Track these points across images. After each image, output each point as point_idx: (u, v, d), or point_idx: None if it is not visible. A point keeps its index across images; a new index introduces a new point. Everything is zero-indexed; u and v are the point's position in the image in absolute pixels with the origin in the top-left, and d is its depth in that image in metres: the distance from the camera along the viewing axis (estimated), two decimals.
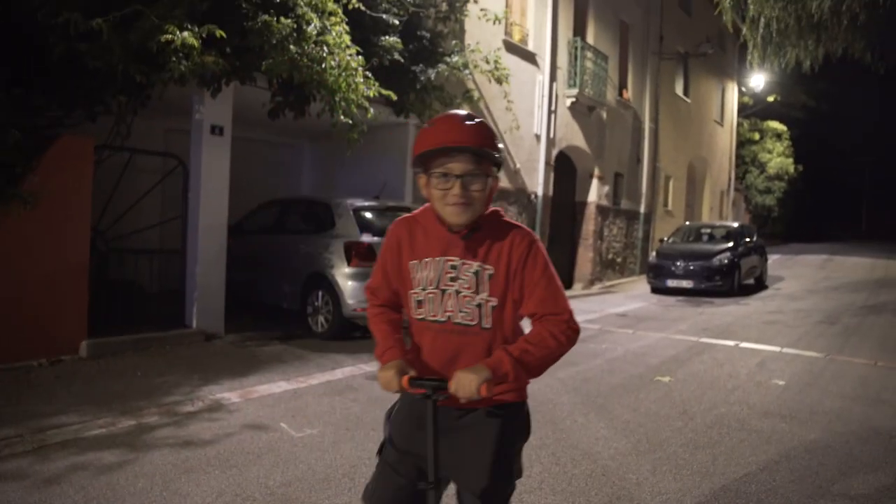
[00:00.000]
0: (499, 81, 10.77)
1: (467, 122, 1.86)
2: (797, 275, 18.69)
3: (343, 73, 6.76)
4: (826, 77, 32.92)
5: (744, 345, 8.64)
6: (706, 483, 3.96)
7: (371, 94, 7.28)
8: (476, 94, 10.54)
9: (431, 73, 9.24)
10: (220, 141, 7.41)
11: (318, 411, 5.18)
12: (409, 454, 1.99)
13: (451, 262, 1.93)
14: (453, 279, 1.93)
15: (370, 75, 7.42)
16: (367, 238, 7.70)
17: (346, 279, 7.55)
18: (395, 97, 7.95)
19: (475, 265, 1.91)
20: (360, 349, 7.44)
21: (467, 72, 9.97)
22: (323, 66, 6.67)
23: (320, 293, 7.87)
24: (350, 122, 7.08)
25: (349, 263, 7.57)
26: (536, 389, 6.04)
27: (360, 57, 7.17)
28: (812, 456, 4.51)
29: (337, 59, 6.82)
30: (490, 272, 1.91)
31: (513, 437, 2.01)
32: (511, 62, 11.86)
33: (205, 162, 7.32)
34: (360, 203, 8.09)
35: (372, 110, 7.56)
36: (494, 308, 1.92)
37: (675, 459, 4.34)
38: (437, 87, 9.56)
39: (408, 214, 2.07)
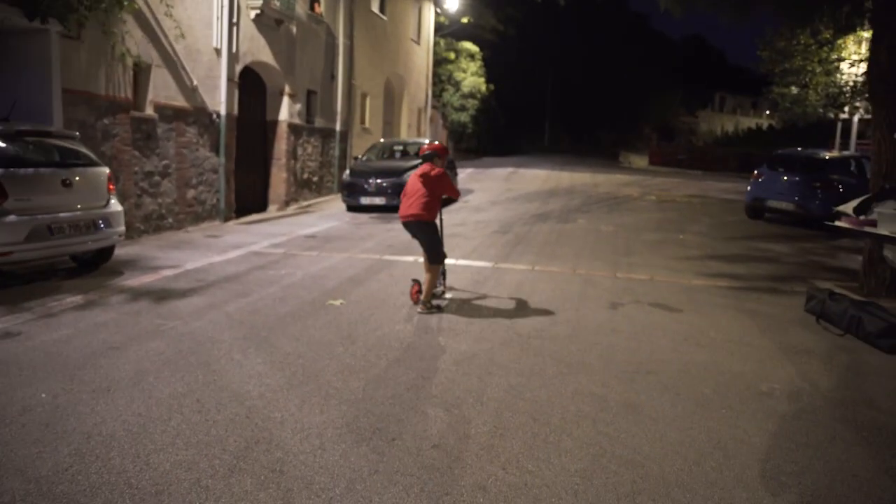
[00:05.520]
0: None
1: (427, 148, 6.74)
2: (485, 188, 20.08)
3: None
4: (512, 3, 35.52)
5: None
6: (351, 411, 3.95)
7: None
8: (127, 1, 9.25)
9: None
10: None
11: None
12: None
13: None
14: None
15: None
16: None
17: None
18: None
19: None
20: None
21: None
22: None
23: None
24: None
25: None
26: (198, 328, 5.65)
27: None
28: (458, 367, 4.76)
29: None
30: None
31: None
32: None
33: None
34: None
35: None
36: None
37: (327, 389, 4.28)
38: None
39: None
